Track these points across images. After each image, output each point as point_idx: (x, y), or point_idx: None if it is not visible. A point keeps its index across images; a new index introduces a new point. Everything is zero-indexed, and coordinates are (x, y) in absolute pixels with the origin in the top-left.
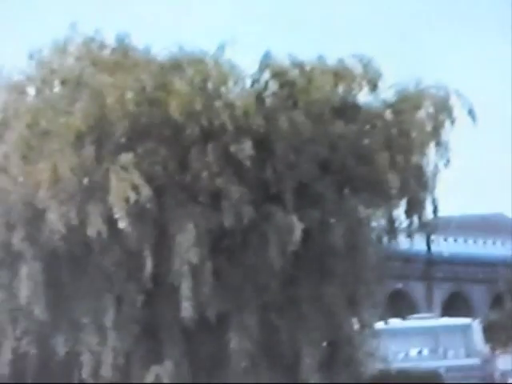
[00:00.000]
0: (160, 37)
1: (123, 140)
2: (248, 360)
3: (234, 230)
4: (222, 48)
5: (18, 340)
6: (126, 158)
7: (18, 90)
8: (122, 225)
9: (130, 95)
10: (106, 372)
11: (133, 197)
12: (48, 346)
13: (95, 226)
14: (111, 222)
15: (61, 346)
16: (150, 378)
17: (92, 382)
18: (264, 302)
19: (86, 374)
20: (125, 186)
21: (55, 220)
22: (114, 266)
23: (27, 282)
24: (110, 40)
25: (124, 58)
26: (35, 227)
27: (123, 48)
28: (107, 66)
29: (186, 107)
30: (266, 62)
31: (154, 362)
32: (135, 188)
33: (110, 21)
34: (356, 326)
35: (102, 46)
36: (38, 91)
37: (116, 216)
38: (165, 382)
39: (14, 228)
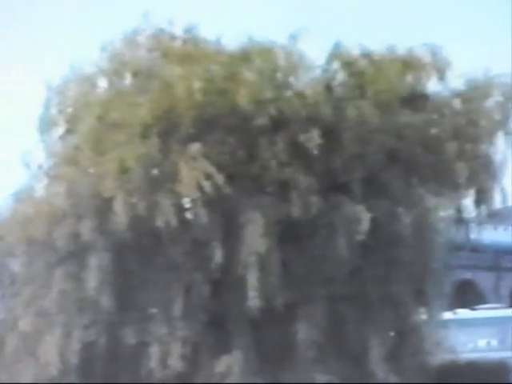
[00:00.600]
0: (230, 27)
1: (191, 130)
2: (315, 350)
3: (302, 220)
4: (292, 38)
5: (86, 330)
6: (195, 148)
7: (90, 82)
8: (191, 215)
9: (198, 86)
10: (174, 362)
11: (206, 185)
12: (116, 336)
13: (164, 216)
14: (180, 212)
15: (129, 336)
16: (220, 367)
17: (160, 372)
18: (331, 292)
19: (154, 364)
20: (196, 174)
21: (121, 210)
22: (182, 256)
23: (95, 272)
24: (181, 31)
25: (194, 49)
26: (104, 218)
27: (194, 39)
28: (177, 57)
29: (255, 97)
30: (335, 51)
31: (221, 352)
32: (208, 176)
33: (181, 11)
34: (423, 317)
35: (173, 37)
36: (109, 83)
37: (186, 206)
38: (235, 371)
39: (83, 219)
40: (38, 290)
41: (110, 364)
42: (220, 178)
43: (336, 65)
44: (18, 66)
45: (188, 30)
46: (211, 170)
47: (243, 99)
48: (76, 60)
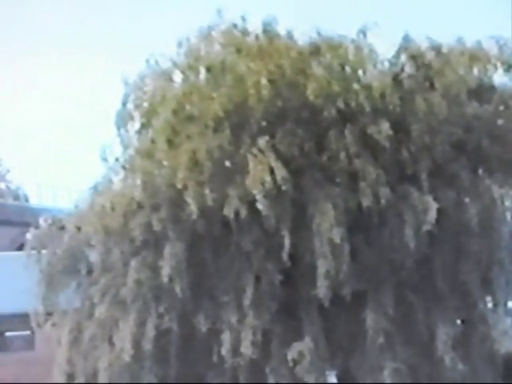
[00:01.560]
0: (302, 22)
1: (262, 123)
2: (384, 337)
3: (371, 210)
4: (361, 32)
5: (160, 317)
6: (264, 141)
7: (166, 77)
8: (260, 206)
9: (267, 80)
10: (246, 349)
11: (268, 179)
12: (189, 324)
13: (233, 207)
14: (250, 202)
15: (202, 324)
16: (291, 354)
17: (232, 358)
18: (399, 280)
19: (225, 351)
20: (262, 168)
21: (192, 201)
22: (252, 245)
23: (169, 261)
24: (255, 26)
25: (266, 44)
26: (177, 209)
27: (267, 34)
28: (250, 52)
29: (323, 90)
30: (404, 45)
31: (292, 339)
32: (271, 171)
33: (254, 7)
34: (490, 305)
35: (246, 32)
36: (184, 78)
37: (255, 197)
38: (306, 358)
39: (158, 210)
40: (114, 278)
41: (182, 351)
42: (283, 172)
43: (404, 58)
44: (97, 64)
45: (263, 26)
46: (275, 164)
47: (312, 93)
48: (152, 56)
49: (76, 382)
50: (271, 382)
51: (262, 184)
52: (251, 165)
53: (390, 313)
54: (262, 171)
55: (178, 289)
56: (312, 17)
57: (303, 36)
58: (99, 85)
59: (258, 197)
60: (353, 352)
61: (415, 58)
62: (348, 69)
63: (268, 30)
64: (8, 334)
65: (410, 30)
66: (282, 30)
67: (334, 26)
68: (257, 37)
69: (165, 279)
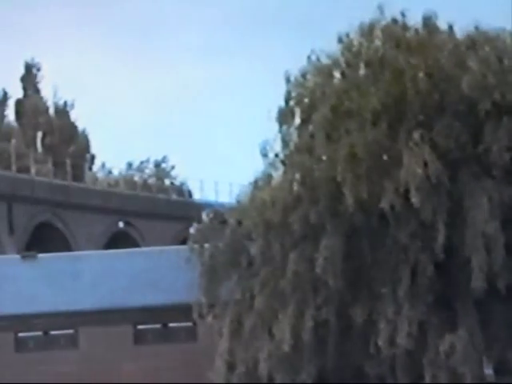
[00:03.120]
0: (461, 16)
1: (419, 117)
2: None
3: None
4: None
5: (318, 309)
6: (419, 134)
7: (326, 73)
8: (414, 199)
9: (425, 74)
10: (402, 340)
11: (420, 172)
12: (346, 315)
13: (388, 200)
14: (405, 195)
15: (358, 315)
16: (444, 346)
17: (388, 349)
18: None
19: (382, 341)
20: (416, 162)
21: (349, 194)
22: (408, 238)
23: (327, 254)
24: (415, 21)
25: (424, 39)
26: (334, 202)
27: (426, 29)
28: (409, 46)
29: (479, 83)
30: None
31: (447, 331)
32: (425, 164)
33: (415, 2)
34: None
35: (406, 27)
36: (344, 74)
37: (410, 190)
38: (459, 350)
39: (316, 203)
40: (273, 271)
41: (340, 341)
42: (438, 165)
43: None
44: (258, 61)
45: (423, 20)
46: (429, 157)
47: (467, 86)
48: (314, 52)
49: (237, 371)
50: (427, 372)
51: (416, 177)
52: (405, 158)
53: None
54: (416, 164)
55: (332, 281)
56: (472, 10)
57: (461, 30)
58: (260, 82)
59: (412, 190)
60: (508, 344)
61: None
62: (506, 61)
63: (428, 24)
64: (171, 325)
65: None
66: (442, 24)
67: (493, 18)
68: (416, 31)
69: (323, 272)
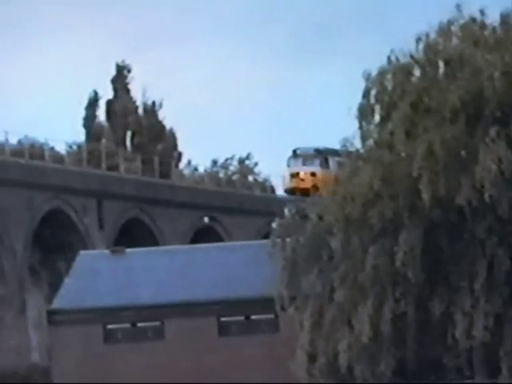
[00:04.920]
0: None
1: (496, 113)
2: None
3: None
4: None
5: (397, 301)
6: (495, 130)
7: (405, 71)
8: (486, 194)
9: (502, 72)
10: (478, 333)
11: (494, 168)
12: (424, 308)
13: (465, 195)
14: (481, 191)
15: (436, 308)
16: None
17: (465, 341)
18: None
19: (458, 334)
20: (491, 158)
21: (426, 189)
22: (485, 232)
23: (406, 248)
24: (494, 19)
25: (503, 37)
26: (414, 197)
27: (504, 27)
28: (487, 44)
29: None
30: None
31: None
32: (500, 160)
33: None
34: None
35: (484, 25)
36: (423, 72)
37: (486, 185)
38: None
39: (396, 199)
40: (353, 264)
41: (418, 333)
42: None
43: None
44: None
45: (501, 18)
46: (506, 152)
47: None
48: (393, 52)
49: (317, 362)
50: (504, 364)
51: (489, 172)
52: (481, 154)
53: None
54: (491, 160)
55: (413, 274)
56: None
57: None
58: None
59: (487, 185)
60: None
61: None
62: None
63: (505, 22)
64: (254, 317)
65: None
66: None
67: None
68: (494, 29)
69: (398, 264)
